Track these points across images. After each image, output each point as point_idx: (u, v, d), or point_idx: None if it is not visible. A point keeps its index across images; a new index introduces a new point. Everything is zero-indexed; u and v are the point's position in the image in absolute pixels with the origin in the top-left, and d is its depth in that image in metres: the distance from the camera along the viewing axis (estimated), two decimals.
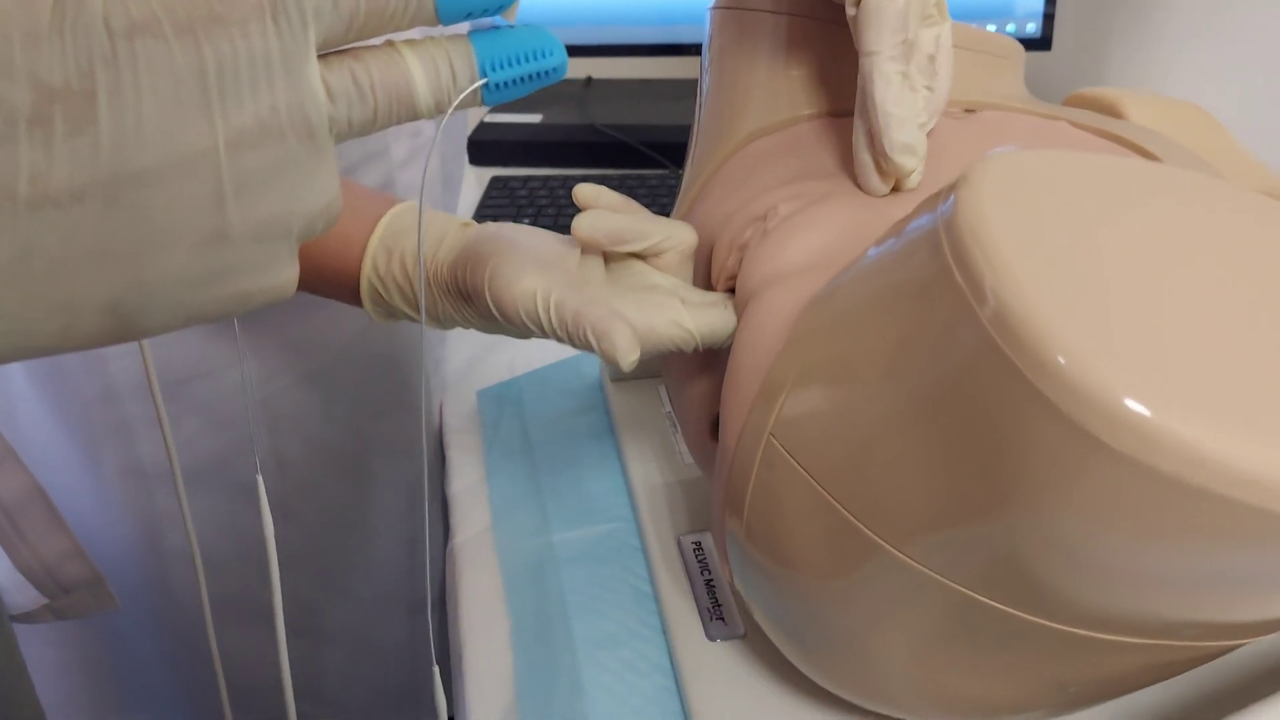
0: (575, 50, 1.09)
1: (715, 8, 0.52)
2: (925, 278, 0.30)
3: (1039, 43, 1.00)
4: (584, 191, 0.46)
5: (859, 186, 0.42)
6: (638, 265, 0.45)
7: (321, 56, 0.26)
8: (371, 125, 0.28)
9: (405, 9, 0.27)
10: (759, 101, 0.48)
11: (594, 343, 0.40)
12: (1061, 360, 0.26)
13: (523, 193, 1.01)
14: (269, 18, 0.25)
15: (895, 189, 0.42)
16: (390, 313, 0.49)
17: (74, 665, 0.78)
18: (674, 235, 0.44)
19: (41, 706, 0.55)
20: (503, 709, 0.48)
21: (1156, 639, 0.33)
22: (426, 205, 0.75)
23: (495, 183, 1.04)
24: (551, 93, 1.18)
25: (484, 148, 1.11)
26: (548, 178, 1.03)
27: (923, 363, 0.31)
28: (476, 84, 0.28)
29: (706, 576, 0.52)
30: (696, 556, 0.53)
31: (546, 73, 0.29)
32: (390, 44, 0.28)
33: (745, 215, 0.44)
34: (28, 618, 0.61)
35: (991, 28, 1.00)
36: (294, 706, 0.48)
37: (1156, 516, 0.27)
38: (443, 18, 0.27)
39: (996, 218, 0.29)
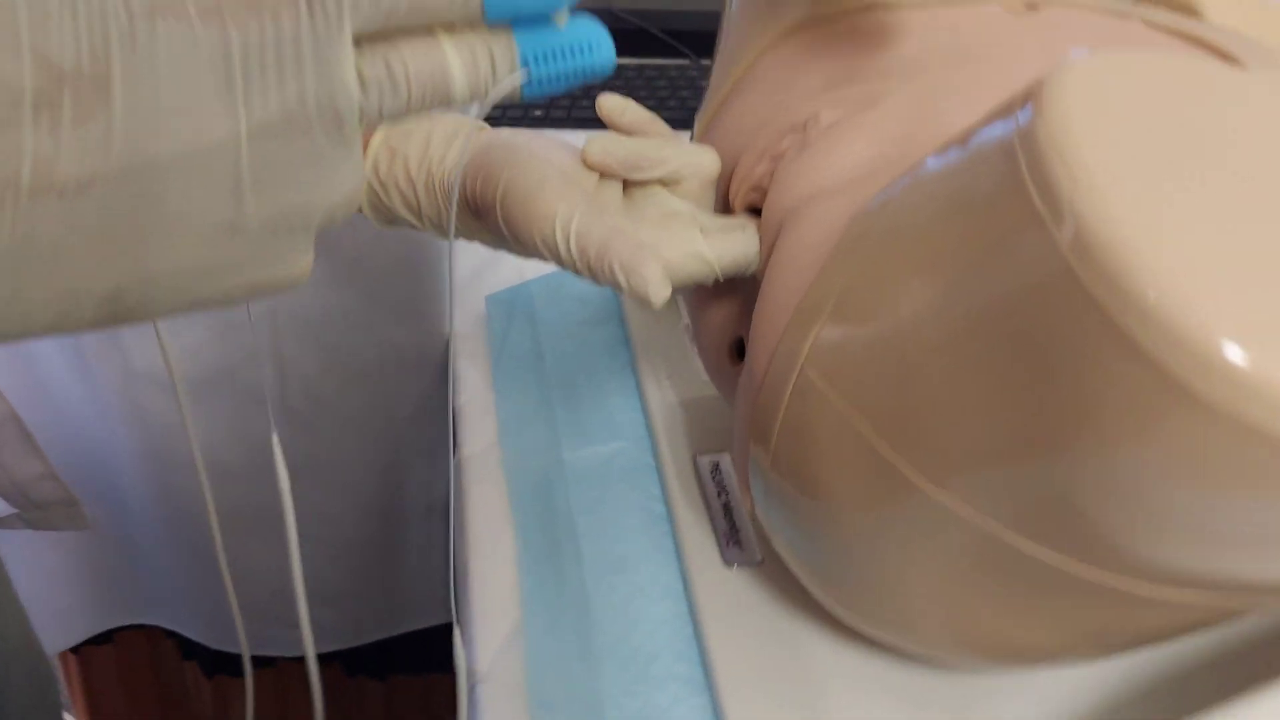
0: None
1: None
2: (994, 193, 0.27)
3: None
4: (607, 103, 0.42)
5: None
6: (656, 190, 0.41)
7: (355, 42, 0.24)
8: (403, 114, 0.26)
9: (449, 6, 0.25)
10: None
11: (621, 279, 0.37)
12: (1152, 297, 0.23)
13: None
14: (304, 3, 0.23)
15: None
16: (391, 219, 0.45)
17: (85, 571, 0.78)
18: (694, 161, 0.41)
19: (22, 608, 0.54)
20: (509, 627, 0.47)
21: (1211, 596, 0.31)
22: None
23: None
24: None
25: None
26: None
27: (985, 287, 0.27)
28: (516, 75, 0.26)
29: (724, 500, 0.50)
30: (713, 478, 0.51)
31: (592, 68, 0.27)
32: (430, 30, 0.26)
33: (782, 122, 0.40)
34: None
35: None
36: (308, 616, 0.46)
37: (1240, 470, 0.24)
38: (489, 16, 0.25)
39: (1081, 130, 0.25)
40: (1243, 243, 0.24)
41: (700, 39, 0.99)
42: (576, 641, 0.45)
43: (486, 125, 0.44)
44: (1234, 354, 0.22)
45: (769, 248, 0.39)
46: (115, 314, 0.24)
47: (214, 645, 0.79)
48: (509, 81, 0.26)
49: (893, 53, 0.41)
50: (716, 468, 0.51)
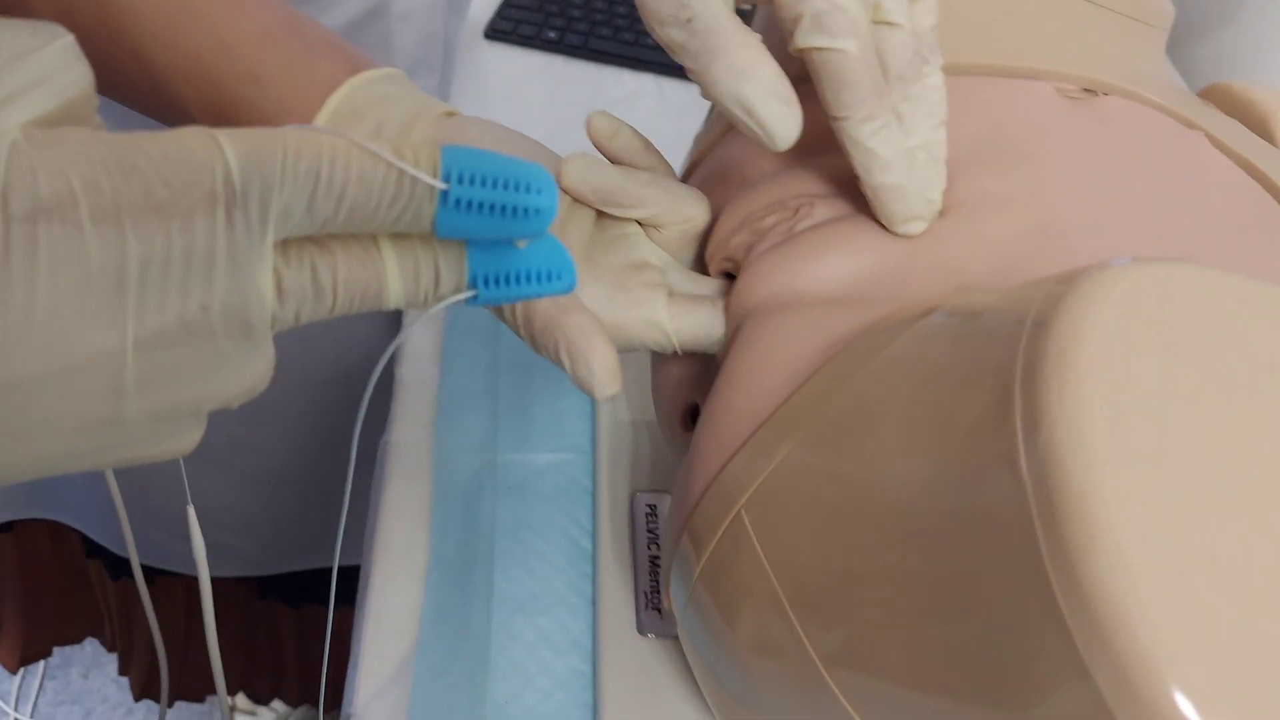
0: None
1: None
2: (990, 481, 0.22)
3: None
4: (598, 124, 0.37)
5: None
6: (631, 230, 0.36)
7: (279, 243, 0.21)
8: (324, 318, 0.23)
9: (395, 220, 0.21)
10: None
11: (565, 362, 0.32)
12: (1122, 640, 0.19)
13: (553, 3, 0.89)
14: (221, 213, 0.19)
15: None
16: None
17: None
18: (679, 211, 0.36)
19: None
20: (399, 656, 0.44)
21: None
22: (399, 61, 0.64)
23: None
24: None
25: None
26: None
27: (949, 527, 0.23)
28: (461, 297, 0.24)
29: (652, 552, 0.46)
30: (648, 522, 0.48)
31: (549, 293, 0.25)
32: (372, 238, 0.23)
33: (773, 194, 0.35)
34: None
35: None
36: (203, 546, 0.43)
37: None
38: (437, 233, 0.22)
39: (1104, 465, 0.20)
40: (1247, 608, 0.20)
41: None
42: (466, 694, 0.42)
43: (456, 111, 0.39)
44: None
45: (730, 339, 0.34)
46: None
47: (116, 550, 0.77)
48: (452, 300, 0.24)
49: None
50: (653, 512, 0.48)
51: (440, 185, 0.21)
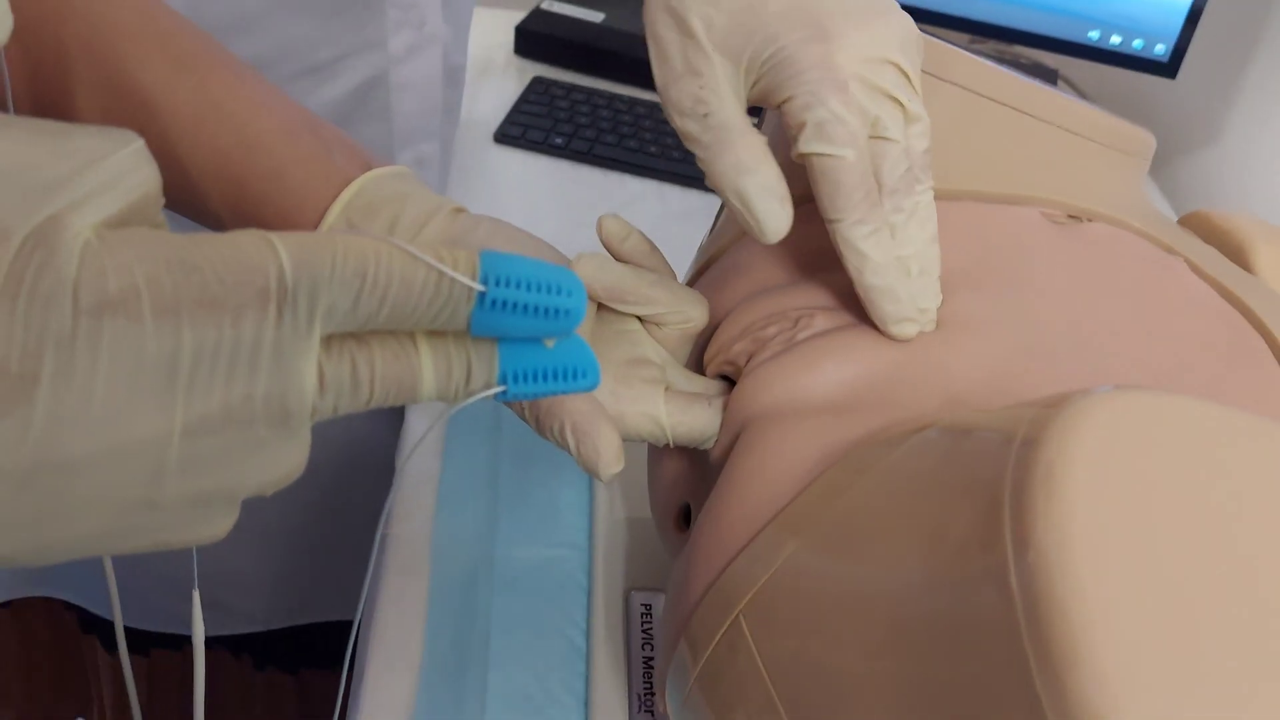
0: None
1: None
2: (980, 594, 0.23)
3: (1163, 68, 0.89)
4: (609, 226, 0.39)
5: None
6: (632, 326, 0.38)
7: (323, 341, 0.22)
8: (360, 409, 0.24)
9: (434, 318, 0.23)
10: None
11: (571, 443, 0.33)
12: None
13: (563, 103, 0.92)
14: (273, 308, 0.21)
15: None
16: None
17: None
18: (682, 311, 0.37)
19: None
20: None
21: None
22: (409, 160, 0.67)
23: (536, 84, 0.95)
24: None
25: (533, 40, 1.01)
26: (594, 91, 0.94)
27: (949, 666, 0.24)
28: (491, 392, 0.25)
29: (646, 653, 0.47)
30: (642, 623, 0.48)
31: (574, 390, 0.26)
32: (410, 335, 0.24)
33: (775, 305, 0.36)
34: None
35: (1116, 40, 0.89)
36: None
37: None
38: (472, 332, 0.23)
39: (1088, 582, 0.21)
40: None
41: None
42: None
43: (464, 209, 0.41)
44: None
45: (727, 444, 0.35)
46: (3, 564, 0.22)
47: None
48: (481, 395, 0.25)
49: None
50: (648, 611, 0.48)
51: (479, 288, 0.23)
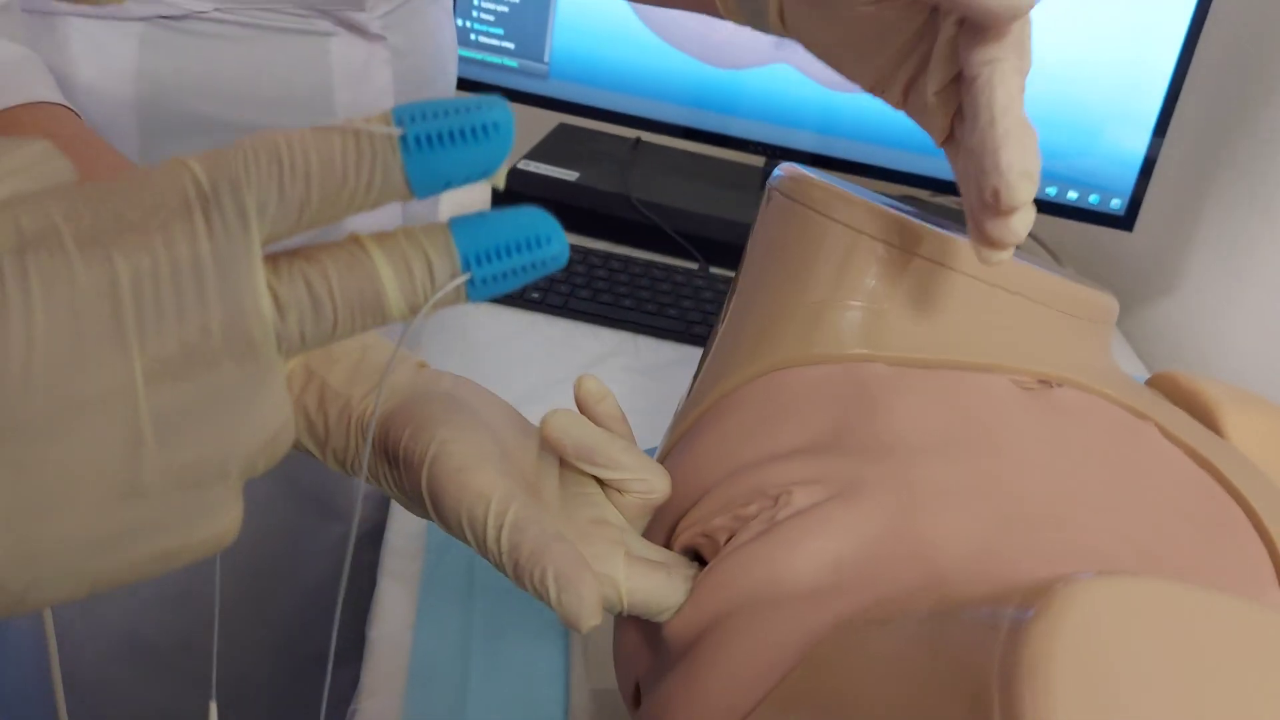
0: (624, 119, 1.02)
1: (777, 189, 0.45)
2: None
3: (1120, 221, 0.92)
4: (587, 385, 0.39)
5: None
6: (594, 489, 0.37)
7: (268, 258, 0.21)
8: (330, 337, 0.22)
9: (368, 187, 0.21)
10: (799, 324, 0.41)
11: (552, 591, 0.32)
12: None
13: None
14: (199, 216, 0.20)
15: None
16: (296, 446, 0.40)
17: None
18: (647, 480, 0.37)
19: None
20: None
21: None
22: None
23: None
24: (595, 150, 1.10)
25: (508, 197, 1.03)
26: (570, 246, 0.96)
27: None
28: (458, 281, 0.23)
29: None
30: None
31: (543, 262, 0.24)
32: (355, 240, 0.23)
33: (755, 481, 0.36)
34: None
35: (1073, 195, 0.93)
36: None
37: None
38: (417, 192, 0.22)
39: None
40: None
41: (711, 246, 0.97)
42: None
43: (428, 364, 0.40)
44: None
45: (698, 625, 0.34)
46: (3, 605, 0.20)
47: None
48: (450, 287, 0.23)
49: (886, 419, 0.38)
50: None
51: (395, 131, 0.21)
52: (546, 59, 1.02)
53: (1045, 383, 0.41)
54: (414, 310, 0.23)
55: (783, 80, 0.97)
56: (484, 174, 0.23)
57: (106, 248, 0.19)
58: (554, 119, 1.19)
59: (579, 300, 0.89)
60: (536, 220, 0.24)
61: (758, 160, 1.06)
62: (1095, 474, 0.37)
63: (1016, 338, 0.42)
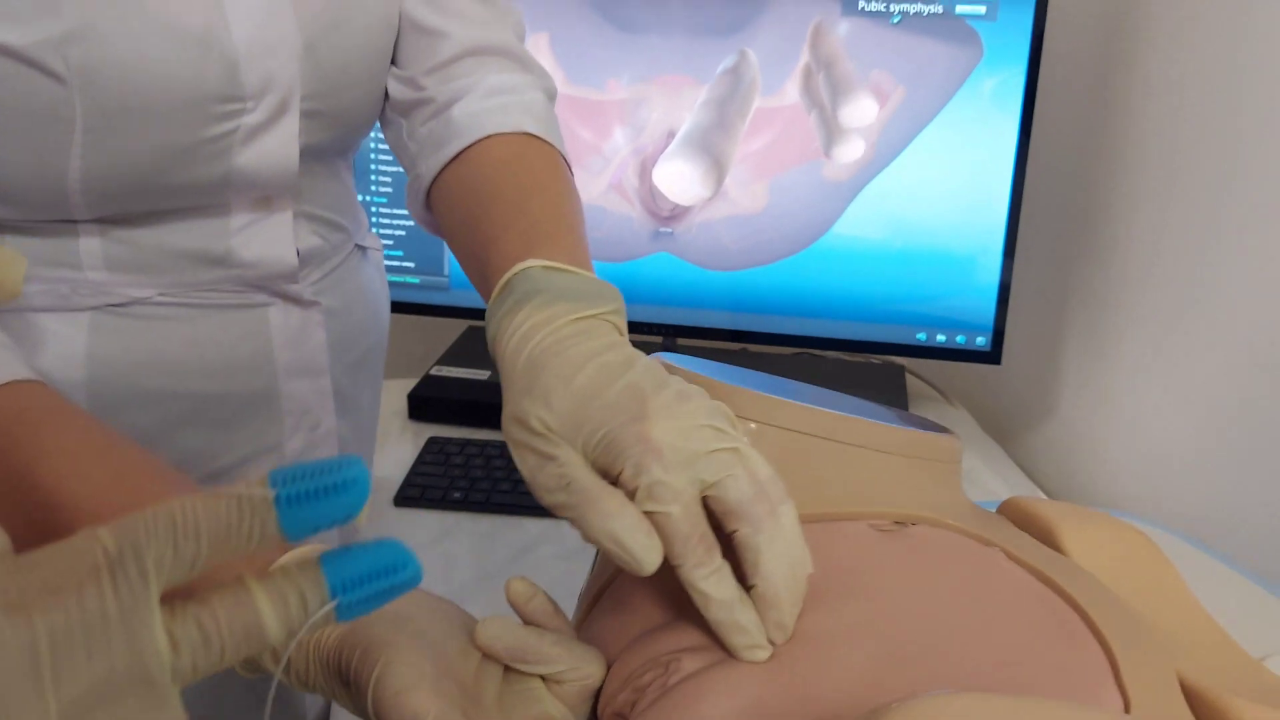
0: None
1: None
2: None
3: (987, 356, 1.00)
4: (515, 588, 0.43)
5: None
6: (535, 684, 0.41)
7: (165, 602, 0.26)
8: (219, 665, 0.27)
9: (249, 539, 0.26)
10: None
11: None
12: None
13: (458, 459, 0.98)
14: (106, 578, 0.24)
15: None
16: (254, 668, 0.43)
17: None
18: (579, 669, 0.40)
19: None
20: None
21: None
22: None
23: (432, 444, 1.01)
24: None
25: (425, 404, 1.08)
26: (486, 442, 1.00)
27: None
28: (327, 608, 0.28)
29: None
30: None
31: (401, 585, 0.30)
32: (240, 580, 0.28)
33: (648, 653, 0.40)
34: None
35: (941, 338, 1.01)
36: None
37: None
38: (290, 539, 0.27)
39: None
40: None
41: None
42: None
43: None
44: None
45: None
46: None
47: None
48: (320, 615, 0.28)
49: None
50: None
51: (269, 493, 0.26)
52: (446, 272, 1.09)
53: (901, 523, 0.46)
54: (292, 634, 0.28)
55: (665, 265, 1.05)
56: (347, 519, 0.28)
57: (28, 611, 0.23)
58: (462, 324, 1.25)
59: (501, 494, 0.93)
60: (394, 551, 0.30)
61: (656, 339, 1.13)
62: (954, 602, 0.41)
63: (870, 486, 0.47)
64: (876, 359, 1.20)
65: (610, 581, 0.47)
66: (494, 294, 0.48)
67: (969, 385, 1.20)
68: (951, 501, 0.49)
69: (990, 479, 0.99)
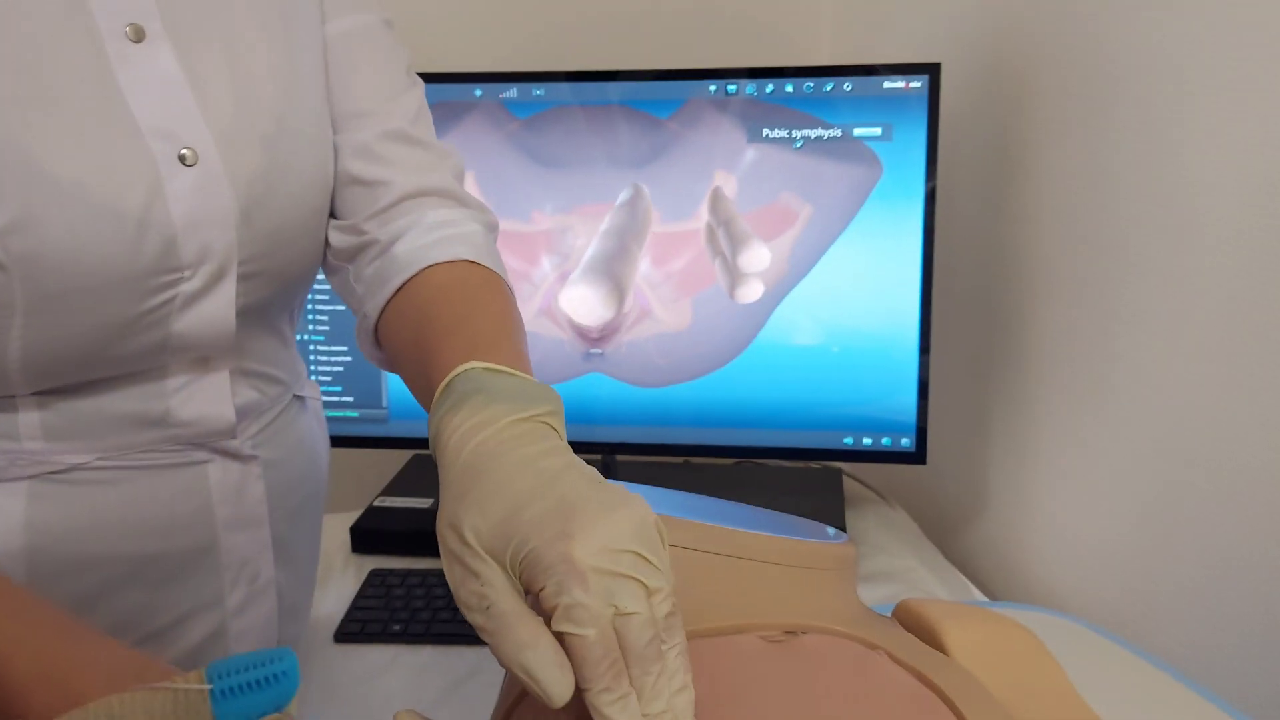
0: None
1: None
2: None
3: (912, 457, 1.03)
4: None
5: None
6: None
7: None
8: None
9: None
10: None
11: None
12: None
13: (399, 590, 0.98)
14: None
15: None
16: None
17: None
18: None
19: None
20: None
21: None
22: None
23: (374, 576, 1.01)
24: None
25: (368, 536, 1.09)
26: (429, 571, 1.01)
27: None
28: None
29: None
30: None
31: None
32: None
33: None
34: None
35: (867, 441, 1.03)
36: None
37: None
38: None
39: None
40: None
41: None
42: None
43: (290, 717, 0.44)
44: None
45: None
46: None
47: None
48: None
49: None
50: None
51: (205, 687, 0.28)
52: (385, 404, 1.11)
53: (791, 632, 0.47)
54: None
55: (598, 385, 1.08)
56: (278, 709, 0.30)
57: None
58: (405, 455, 1.27)
59: (440, 624, 0.93)
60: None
61: (596, 458, 1.15)
62: (836, 708, 0.43)
63: (762, 598, 0.49)
64: (815, 464, 1.22)
65: (518, 701, 0.48)
66: (436, 395, 0.49)
67: (906, 486, 1.23)
68: (843, 607, 0.50)
69: (927, 579, 1.00)
